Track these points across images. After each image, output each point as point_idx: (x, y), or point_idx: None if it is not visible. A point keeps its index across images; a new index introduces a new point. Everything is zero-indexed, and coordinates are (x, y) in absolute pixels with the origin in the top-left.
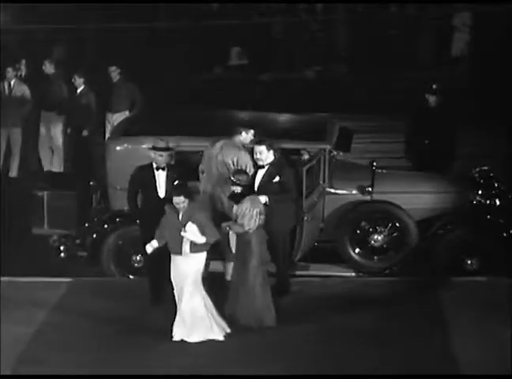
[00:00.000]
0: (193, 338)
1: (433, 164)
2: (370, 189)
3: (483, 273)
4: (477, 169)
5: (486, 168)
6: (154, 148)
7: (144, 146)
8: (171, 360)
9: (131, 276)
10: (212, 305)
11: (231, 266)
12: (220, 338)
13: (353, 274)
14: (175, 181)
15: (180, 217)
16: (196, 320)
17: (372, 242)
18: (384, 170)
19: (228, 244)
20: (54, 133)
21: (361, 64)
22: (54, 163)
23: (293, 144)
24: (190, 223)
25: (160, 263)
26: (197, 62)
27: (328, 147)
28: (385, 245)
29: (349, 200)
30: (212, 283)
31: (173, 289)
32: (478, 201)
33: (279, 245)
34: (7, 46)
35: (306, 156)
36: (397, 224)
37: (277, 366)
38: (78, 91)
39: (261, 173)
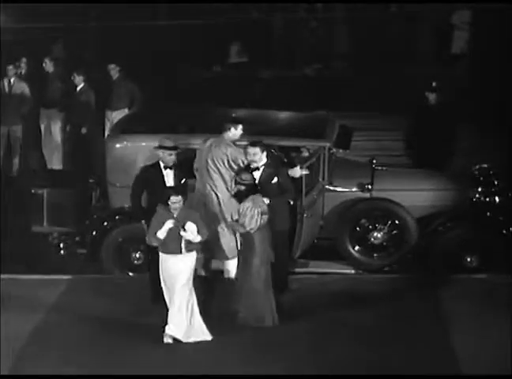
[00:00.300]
0: (190, 339)
1: (433, 162)
2: (369, 186)
3: (482, 270)
4: (477, 166)
5: (486, 166)
6: (163, 147)
7: (144, 144)
8: (171, 359)
9: (131, 274)
10: None
11: (230, 264)
12: (209, 338)
13: (353, 271)
14: (182, 179)
15: (176, 216)
16: (194, 321)
17: (372, 239)
18: (384, 168)
19: (219, 242)
20: (54, 130)
21: (361, 61)
22: (53, 161)
23: (293, 141)
24: (189, 223)
25: None
26: (197, 60)
27: (328, 144)
28: (384, 243)
29: (349, 198)
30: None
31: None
32: (478, 199)
33: (277, 243)
34: (7, 44)
35: (306, 154)
36: (397, 222)
37: (277, 366)
38: (78, 88)
39: (256, 175)
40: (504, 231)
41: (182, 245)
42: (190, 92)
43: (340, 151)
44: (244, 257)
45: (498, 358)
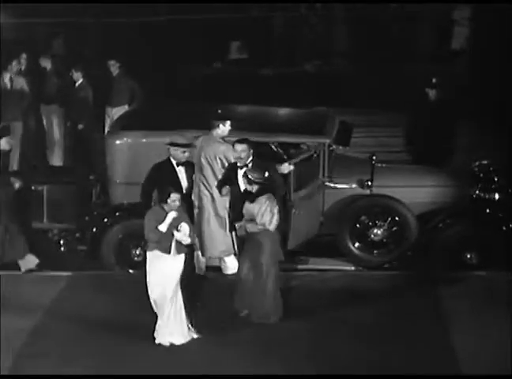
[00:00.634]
0: (180, 339)
1: (433, 158)
2: (369, 183)
3: (482, 267)
4: (477, 163)
5: (486, 162)
6: (176, 145)
7: (144, 140)
8: (170, 358)
9: (131, 270)
10: None
11: (226, 261)
12: (195, 336)
13: (353, 268)
14: (192, 176)
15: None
16: (182, 321)
17: (372, 236)
18: (383, 164)
19: (213, 239)
20: (54, 126)
21: (361, 58)
22: (54, 157)
23: (293, 138)
24: (184, 224)
25: None
26: (197, 57)
27: (327, 141)
28: (384, 240)
29: (349, 194)
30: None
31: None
32: (478, 195)
33: None
34: (7, 41)
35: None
36: (397, 218)
37: (277, 365)
38: (77, 84)
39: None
40: (504, 228)
41: (173, 245)
42: (190, 89)
43: (340, 147)
44: (252, 257)
45: (498, 358)
